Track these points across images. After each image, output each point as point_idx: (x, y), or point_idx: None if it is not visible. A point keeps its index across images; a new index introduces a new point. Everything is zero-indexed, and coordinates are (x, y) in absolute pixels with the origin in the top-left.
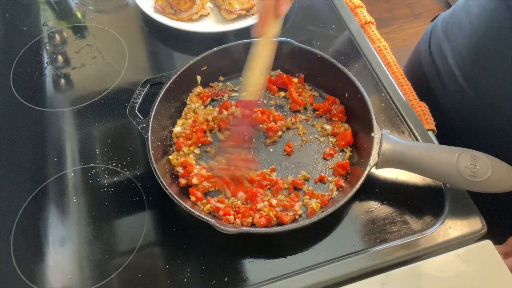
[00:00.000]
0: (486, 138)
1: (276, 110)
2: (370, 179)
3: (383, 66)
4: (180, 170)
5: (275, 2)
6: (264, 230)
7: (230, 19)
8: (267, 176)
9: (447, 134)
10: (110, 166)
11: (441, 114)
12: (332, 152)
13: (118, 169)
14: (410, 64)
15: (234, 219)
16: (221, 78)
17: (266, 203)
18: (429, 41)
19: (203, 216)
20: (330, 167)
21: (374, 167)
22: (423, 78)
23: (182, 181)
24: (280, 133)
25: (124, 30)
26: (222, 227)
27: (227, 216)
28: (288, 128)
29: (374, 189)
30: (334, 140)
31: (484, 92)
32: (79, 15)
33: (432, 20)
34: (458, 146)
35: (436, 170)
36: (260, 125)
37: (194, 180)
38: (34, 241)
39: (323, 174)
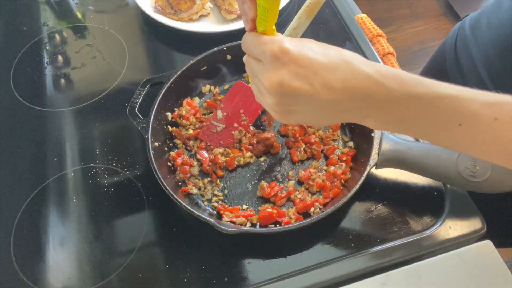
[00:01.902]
0: None
1: None
2: (370, 179)
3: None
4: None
5: None
6: (264, 230)
7: (230, 19)
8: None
9: None
10: (110, 166)
11: None
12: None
13: (118, 169)
14: (434, 60)
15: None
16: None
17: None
18: (455, 39)
19: (203, 216)
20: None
21: (374, 167)
22: (445, 75)
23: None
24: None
25: (124, 30)
26: (222, 227)
27: (226, 212)
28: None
29: (374, 189)
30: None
31: (506, 88)
32: (79, 15)
33: (461, 19)
34: None
35: (436, 170)
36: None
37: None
38: (34, 241)
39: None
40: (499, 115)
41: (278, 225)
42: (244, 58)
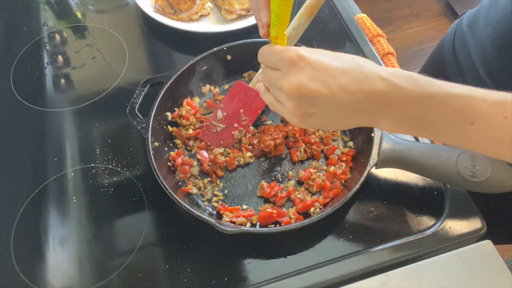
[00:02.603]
0: None
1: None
2: (370, 179)
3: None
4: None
5: None
6: (264, 230)
7: (230, 19)
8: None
9: None
10: (110, 166)
11: None
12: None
13: (118, 169)
14: (432, 58)
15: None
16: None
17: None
18: (453, 36)
19: (203, 216)
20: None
21: (374, 167)
22: (443, 72)
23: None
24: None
25: (124, 30)
26: (222, 227)
27: (225, 213)
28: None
29: (374, 189)
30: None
31: (504, 85)
32: (79, 15)
33: (459, 17)
34: None
35: (436, 170)
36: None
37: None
38: (34, 241)
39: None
40: (508, 113)
41: (278, 225)
42: (261, 75)
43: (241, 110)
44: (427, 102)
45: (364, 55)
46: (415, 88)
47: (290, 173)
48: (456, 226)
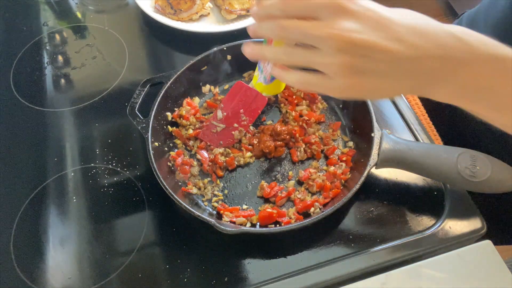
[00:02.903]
0: (503, 136)
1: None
2: (370, 179)
3: None
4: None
5: None
6: (264, 230)
7: (230, 19)
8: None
9: (459, 132)
10: (110, 166)
11: (454, 112)
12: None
13: (118, 169)
14: None
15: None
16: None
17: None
18: None
19: (203, 216)
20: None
21: (374, 167)
22: None
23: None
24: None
25: (124, 30)
26: (222, 227)
27: (225, 212)
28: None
29: (374, 189)
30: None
31: None
32: (79, 15)
33: (458, 17)
34: (470, 145)
35: (436, 170)
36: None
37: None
38: (34, 241)
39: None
40: None
41: (278, 225)
42: (275, 25)
43: (241, 110)
44: (499, 65)
45: None
46: (488, 48)
47: (290, 173)
48: (456, 226)
